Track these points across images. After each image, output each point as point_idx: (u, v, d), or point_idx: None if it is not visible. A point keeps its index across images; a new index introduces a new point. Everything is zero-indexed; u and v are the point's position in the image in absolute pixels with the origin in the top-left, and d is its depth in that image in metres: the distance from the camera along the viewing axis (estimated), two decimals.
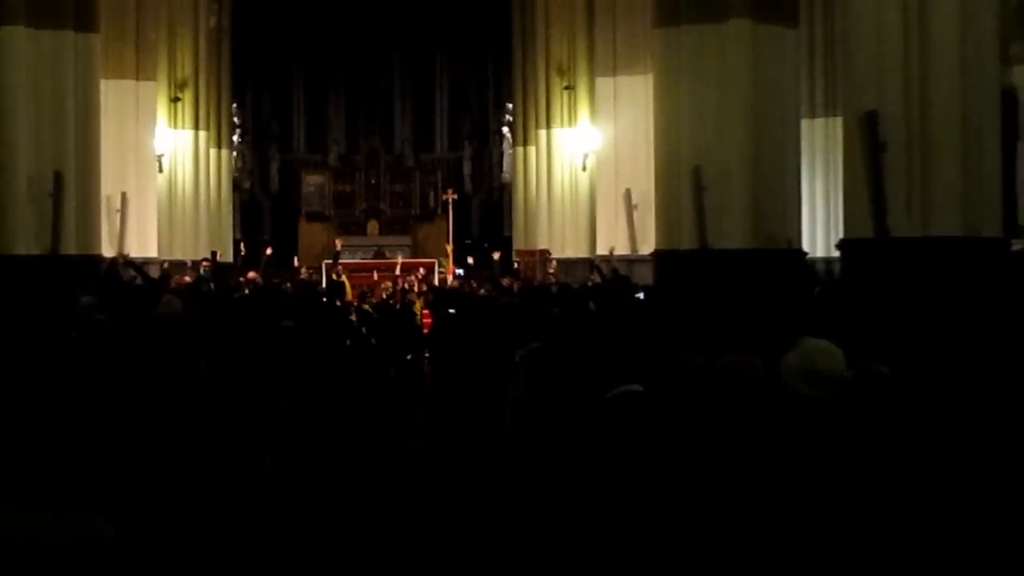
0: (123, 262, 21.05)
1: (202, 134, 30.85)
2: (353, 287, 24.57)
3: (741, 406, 5.75)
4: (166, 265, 25.38)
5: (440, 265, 31.23)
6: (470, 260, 30.57)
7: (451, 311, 17.51)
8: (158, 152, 28.41)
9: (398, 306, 21.68)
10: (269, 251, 26.78)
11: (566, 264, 27.81)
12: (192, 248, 29.06)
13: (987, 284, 12.47)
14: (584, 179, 29.47)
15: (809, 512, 4.75)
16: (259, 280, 22.14)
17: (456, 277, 28.51)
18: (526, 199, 31.27)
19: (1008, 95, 18.70)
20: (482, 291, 20.83)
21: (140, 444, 6.47)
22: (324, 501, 11.24)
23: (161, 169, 28.78)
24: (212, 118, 31.36)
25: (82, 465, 4.25)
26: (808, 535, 4.73)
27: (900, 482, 4.91)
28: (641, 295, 16.81)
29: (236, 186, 35.08)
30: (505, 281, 22.61)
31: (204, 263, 25.47)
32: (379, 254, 34.67)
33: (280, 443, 10.02)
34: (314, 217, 38.23)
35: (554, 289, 18.15)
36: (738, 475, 5.03)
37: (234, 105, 34.65)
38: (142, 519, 5.52)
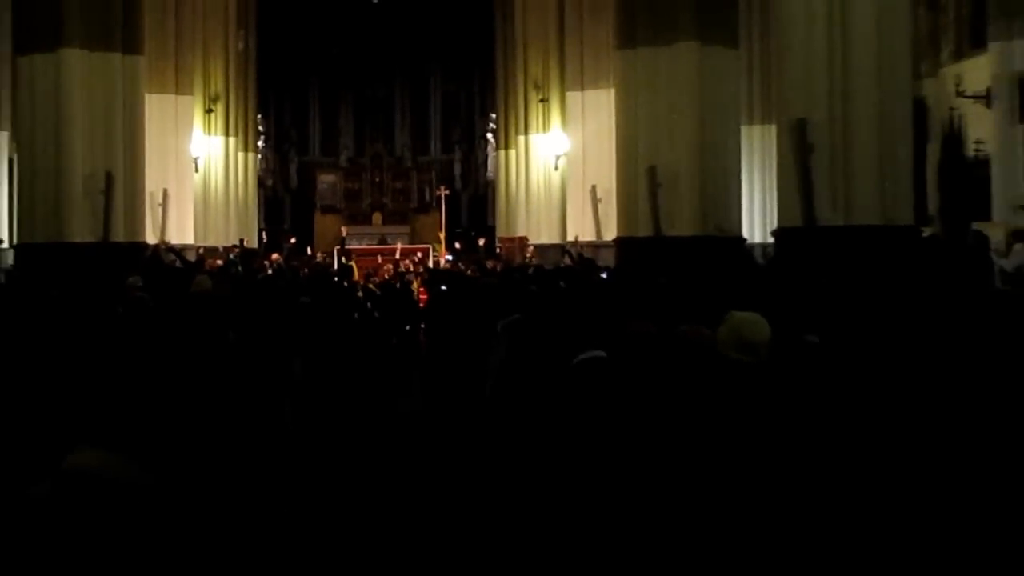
0: (164, 248, 21.00)
1: (232, 140, 30.91)
2: (360, 269, 24.52)
3: (689, 368, 5.71)
4: (201, 250, 25.36)
5: (434, 250, 31.22)
6: (458, 245, 30.56)
7: (443, 289, 17.44)
8: (194, 155, 28.47)
9: (398, 285, 21.62)
10: (293, 240, 26.74)
11: (541, 249, 27.73)
12: (223, 236, 29.03)
13: (901, 266, 12.43)
14: (556, 177, 29.43)
15: (746, 458, 4.70)
16: (281, 262, 22.12)
17: (448, 260, 28.47)
18: (507, 194, 31.30)
19: (919, 104, 18.74)
20: (469, 272, 20.76)
21: (178, 401, 6.42)
22: (334, 446, 11.23)
23: (197, 169, 28.84)
24: (240, 126, 31.43)
25: (126, 418, 4.18)
26: (743, 480, 4.67)
27: (829, 433, 4.88)
28: (605, 275, 16.76)
29: (260, 184, 34.98)
30: (489, 263, 22.56)
31: (233, 249, 25.44)
32: (382, 241, 34.74)
33: (298, 398, 10.00)
34: (327, 210, 38.24)
35: (531, 270, 18.09)
36: (682, 428, 4.99)
37: (259, 115, 34.65)
38: (181, 463, 5.46)
